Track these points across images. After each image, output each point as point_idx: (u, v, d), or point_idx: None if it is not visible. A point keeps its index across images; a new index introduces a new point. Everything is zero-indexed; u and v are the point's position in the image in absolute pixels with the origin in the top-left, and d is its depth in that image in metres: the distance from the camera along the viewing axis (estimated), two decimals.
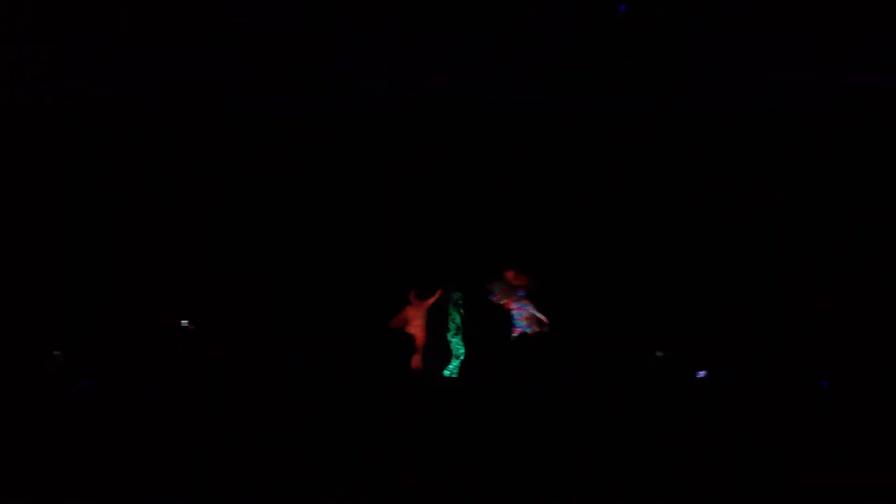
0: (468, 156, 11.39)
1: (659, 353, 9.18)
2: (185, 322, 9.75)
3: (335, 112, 11.12)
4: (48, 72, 10.28)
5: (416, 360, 10.28)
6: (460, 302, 10.83)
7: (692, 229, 11.09)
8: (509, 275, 10.86)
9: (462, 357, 10.65)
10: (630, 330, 10.33)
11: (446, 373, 10.60)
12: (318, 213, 11.44)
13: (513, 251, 11.08)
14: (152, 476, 6.82)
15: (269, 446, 7.06)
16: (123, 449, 7.10)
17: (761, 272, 10.85)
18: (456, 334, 10.80)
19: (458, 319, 10.79)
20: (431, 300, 10.73)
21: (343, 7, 9.80)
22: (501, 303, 10.63)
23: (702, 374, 8.86)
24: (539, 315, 10.60)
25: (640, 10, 9.74)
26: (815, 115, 10.73)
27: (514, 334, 10.46)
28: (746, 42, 9.85)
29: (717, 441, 7.13)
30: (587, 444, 7.12)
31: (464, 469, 6.88)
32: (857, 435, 6.88)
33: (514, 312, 10.66)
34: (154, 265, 10.96)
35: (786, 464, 6.77)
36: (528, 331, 10.54)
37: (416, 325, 10.62)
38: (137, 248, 11.02)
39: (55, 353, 8.74)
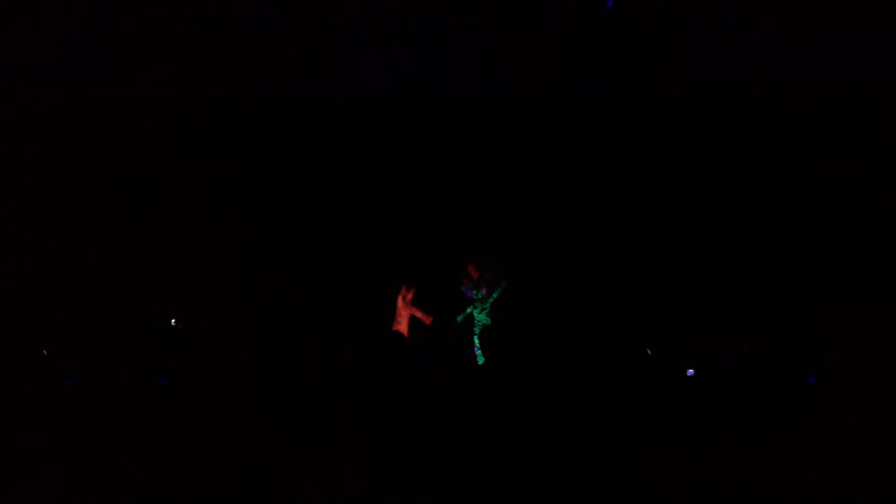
0: (465, 144, 11.32)
1: (649, 351, 9.20)
2: (173, 321, 9.73)
3: (330, 96, 11.05)
4: (40, 65, 10.22)
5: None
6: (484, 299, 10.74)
7: (685, 222, 11.09)
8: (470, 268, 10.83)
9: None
10: (622, 326, 10.35)
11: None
12: (314, 207, 11.38)
13: (509, 244, 11.08)
14: (151, 476, 6.77)
15: (268, 446, 7.02)
16: (120, 449, 7.05)
17: (757, 266, 10.87)
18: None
19: (483, 318, 10.70)
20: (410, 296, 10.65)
21: None
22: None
23: (691, 372, 8.87)
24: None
25: None
26: (814, 108, 10.73)
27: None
28: (745, 28, 9.88)
29: (713, 440, 7.12)
30: (584, 443, 7.11)
31: (460, 468, 6.86)
32: (856, 435, 6.87)
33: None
34: (149, 261, 10.92)
35: (784, 464, 6.76)
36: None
37: (404, 325, 10.52)
38: (132, 244, 10.98)
39: (44, 351, 8.71)
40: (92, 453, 7.08)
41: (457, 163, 11.44)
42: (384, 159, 11.44)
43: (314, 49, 10.53)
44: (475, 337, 10.68)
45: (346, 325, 10.73)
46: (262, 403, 7.61)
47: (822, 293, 10.50)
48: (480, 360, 10.39)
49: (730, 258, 10.98)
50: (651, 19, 10.28)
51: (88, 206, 11.10)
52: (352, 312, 10.93)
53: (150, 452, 7.01)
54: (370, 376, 8.23)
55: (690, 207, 11.12)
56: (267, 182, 11.32)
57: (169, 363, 8.87)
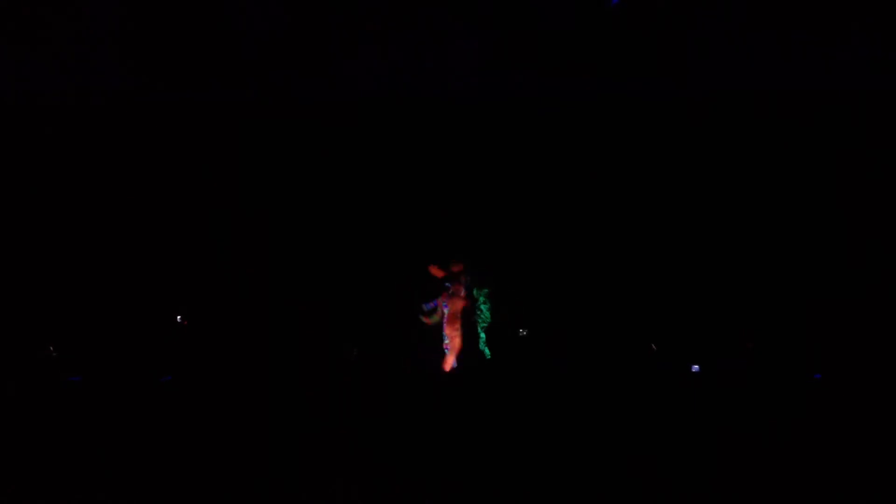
0: (464, 144, 11.30)
1: (654, 347, 9.24)
2: (178, 318, 9.74)
3: (331, 97, 11.03)
4: (48, 69, 10.22)
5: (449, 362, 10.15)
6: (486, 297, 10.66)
7: (688, 222, 11.10)
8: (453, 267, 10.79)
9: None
10: (625, 325, 10.35)
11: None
12: (315, 207, 11.37)
13: (510, 244, 11.08)
14: (151, 475, 6.75)
15: (267, 445, 7.02)
16: (121, 447, 7.04)
17: (759, 265, 10.88)
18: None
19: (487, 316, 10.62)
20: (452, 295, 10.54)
21: None
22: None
23: (695, 368, 8.92)
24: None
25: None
26: (814, 109, 10.76)
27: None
28: (745, 30, 9.92)
29: (713, 438, 7.14)
30: (584, 443, 7.12)
31: (460, 468, 6.87)
32: (855, 435, 6.88)
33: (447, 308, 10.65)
34: (153, 259, 10.89)
35: (782, 462, 6.77)
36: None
37: (456, 326, 10.35)
38: (135, 242, 10.95)
39: (49, 348, 8.71)
40: (97, 448, 7.08)
41: (457, 163, 11.43)
42: (384, 160, 11.43)
43: (314, 49, 10.54)
44: (480, 332, 10.66)
45: (347, 325, 10.71)
46: (263, 401, 7.62)
47: (824, 291, 10.53)
48: (487, 355, 10.38)
49: (732, 258, 11.00)
50: (651, 21, 10.33)
51: (94, 207, 11.08)
52: (352, 312, 10.91)
53: (152, 449, 7.01)
54: (371, 376, 8.26)
55: (693, 207, 11.14)
56: (268, 182, 11.30)
57: (173, 360, 8.87)
